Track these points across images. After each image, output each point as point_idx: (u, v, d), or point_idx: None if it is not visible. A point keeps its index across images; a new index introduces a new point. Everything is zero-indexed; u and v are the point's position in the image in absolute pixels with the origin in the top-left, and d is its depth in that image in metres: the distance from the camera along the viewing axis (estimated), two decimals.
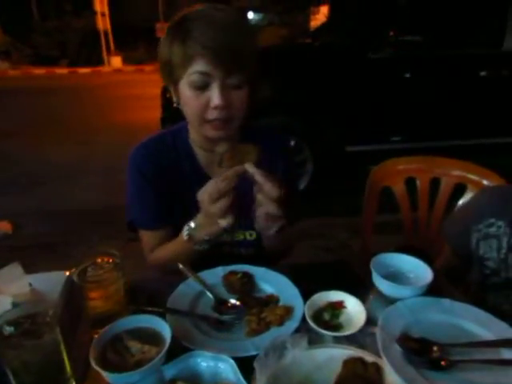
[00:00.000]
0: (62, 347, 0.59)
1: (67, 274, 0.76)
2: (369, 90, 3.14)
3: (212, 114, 0.88)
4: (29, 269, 0.73)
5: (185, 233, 0.89)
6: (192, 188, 1.01)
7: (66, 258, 2.51)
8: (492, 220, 0.90)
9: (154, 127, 4.17)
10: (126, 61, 13.84)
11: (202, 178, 1.00)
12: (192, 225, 0.89)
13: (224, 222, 0.82)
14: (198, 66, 0.84)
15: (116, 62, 13.69)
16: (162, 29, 15.48)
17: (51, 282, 0.72)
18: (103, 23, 13.62)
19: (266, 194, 0.78)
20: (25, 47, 13.19)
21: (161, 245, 1.02)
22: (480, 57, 3.27)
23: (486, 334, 0.70)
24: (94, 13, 13.33)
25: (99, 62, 13.50)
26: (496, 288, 0.88)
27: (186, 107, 0.92)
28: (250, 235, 1.05)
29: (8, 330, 0.55)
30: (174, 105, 0.96)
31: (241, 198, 0.82)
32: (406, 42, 3.08)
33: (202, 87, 0.86)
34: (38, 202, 3.42)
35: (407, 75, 3.16)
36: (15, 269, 0.63)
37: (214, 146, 1.00)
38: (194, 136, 1.02)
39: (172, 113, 3.65)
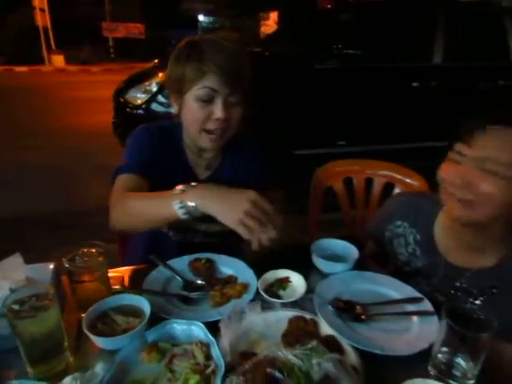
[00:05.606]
0: (61, 321, 0.71)
1: (52, 265, 0.86)
2: (315, 98, 3.42)
3: (213, 125, 1.03)
4: None
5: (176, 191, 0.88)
6: (177, 182, 0.97)
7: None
8: (399, 222, 1.10)
9: (106, 131, 4.17)
10: (69, 60, 13.29)
11: (191, 176, 1.15)
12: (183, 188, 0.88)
13: (241, 230, 0.81)
14: (209, 82, 0.99)
15: (58, 61, 13.09)
16: (108, 28, 14.99)
17: (40, 271, 0.82)
18: (42, 19, 12.95)
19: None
20: None
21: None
22: (412, 69, 3.68)
23: (396, 295, 0.92)
24: (32, 8, 12.66)
25: (39, 60, 12.83)
26: (408, 276, 1.06)
27: (188, 115, 1.05)
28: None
29: (16, 307, 0.66)
30: (174, 112, 1.08)
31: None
32: (348, 55, 3.41)
33: (207, 101, 1.00)
34: None
35: (349, 85, 3.48)
36: (16, 259, 0.73)
37: (201, 152, 1.15)
38: (187, 140, 1.16)
39: (124, 117, 3.68)
